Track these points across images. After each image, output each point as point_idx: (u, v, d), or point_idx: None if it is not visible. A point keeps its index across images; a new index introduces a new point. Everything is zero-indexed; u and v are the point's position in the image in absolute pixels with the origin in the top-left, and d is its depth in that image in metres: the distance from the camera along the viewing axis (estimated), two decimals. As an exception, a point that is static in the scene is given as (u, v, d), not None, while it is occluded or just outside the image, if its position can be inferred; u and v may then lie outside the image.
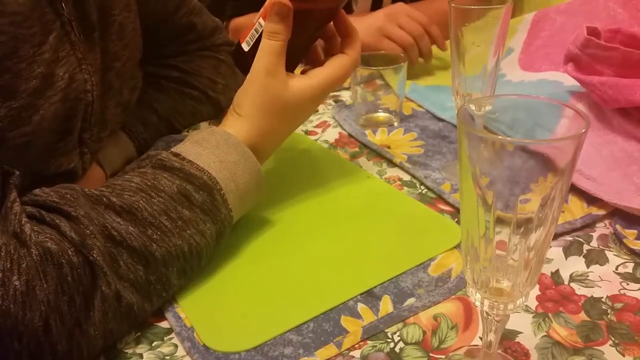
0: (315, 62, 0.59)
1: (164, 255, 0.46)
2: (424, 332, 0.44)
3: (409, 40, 0.90)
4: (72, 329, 0.40)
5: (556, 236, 0.54)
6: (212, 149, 0.51)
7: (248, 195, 0.53)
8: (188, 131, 0.79)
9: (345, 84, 0.93)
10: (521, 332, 0.44)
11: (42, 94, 0.52)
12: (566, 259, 0.51)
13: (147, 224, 0.45)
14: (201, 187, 0.49)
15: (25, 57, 0.50)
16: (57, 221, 0.42)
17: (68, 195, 0.44)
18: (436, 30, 0.92)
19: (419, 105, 0.83)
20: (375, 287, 0.49)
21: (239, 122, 0.54)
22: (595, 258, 0.51)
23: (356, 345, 0.44)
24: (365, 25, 0.90)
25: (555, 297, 0.47)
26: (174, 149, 0.52)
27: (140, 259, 0.45)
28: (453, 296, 0.48)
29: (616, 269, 0.50)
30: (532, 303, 0.46)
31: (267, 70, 0.53)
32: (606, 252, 0.52)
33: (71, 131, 0.57)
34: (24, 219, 0.41)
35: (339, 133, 0.78)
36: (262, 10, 0.55)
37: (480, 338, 0.43)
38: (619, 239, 0.52)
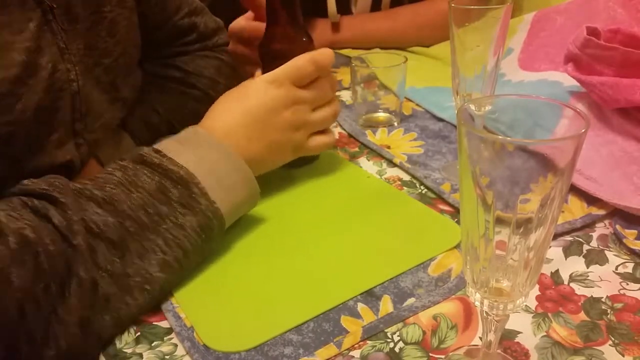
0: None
1: (137, 249, 0.46)
2: (424, 332, 0.44)
3: None
4: (48, 316, 0.41)
5: (556, 236, 0.54)
6: (192, 148, 0.52)
7: (235, 189, 0.53)
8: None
9: (345, 84, 0.93)
10: (521, 332, 0.44)
11: (25, 82, 0.52)
12: (566, 259, 0.51)
13: (125, 216, 0.46)
14: (178, 182, 0.49)
15: (3, 45, 0.50)
16: (45, 206, 0.43)
17: (57, 183, 0.46)
18: None
19: (419, 105, 0.83)
20: (375, 287, 0.49)
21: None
22: (595, 258, 0.51)
23: (356, 345, 0.44)
24: None
25: (555, 297, 0.47)
26: (155, 145, 0.52)
27: (117, 250, 0.45)
28: (453, 296, 0.48)
29: (616, 269, 0.50)
30: (532, 303, 0.46)
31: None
32: (606, 252, 0.52)
33: (61, 122, 0.57)
34: None
35: (339, 133, 0.78)
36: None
37: (480, 338, 0.43)
38: (618, 239, 0.52)
